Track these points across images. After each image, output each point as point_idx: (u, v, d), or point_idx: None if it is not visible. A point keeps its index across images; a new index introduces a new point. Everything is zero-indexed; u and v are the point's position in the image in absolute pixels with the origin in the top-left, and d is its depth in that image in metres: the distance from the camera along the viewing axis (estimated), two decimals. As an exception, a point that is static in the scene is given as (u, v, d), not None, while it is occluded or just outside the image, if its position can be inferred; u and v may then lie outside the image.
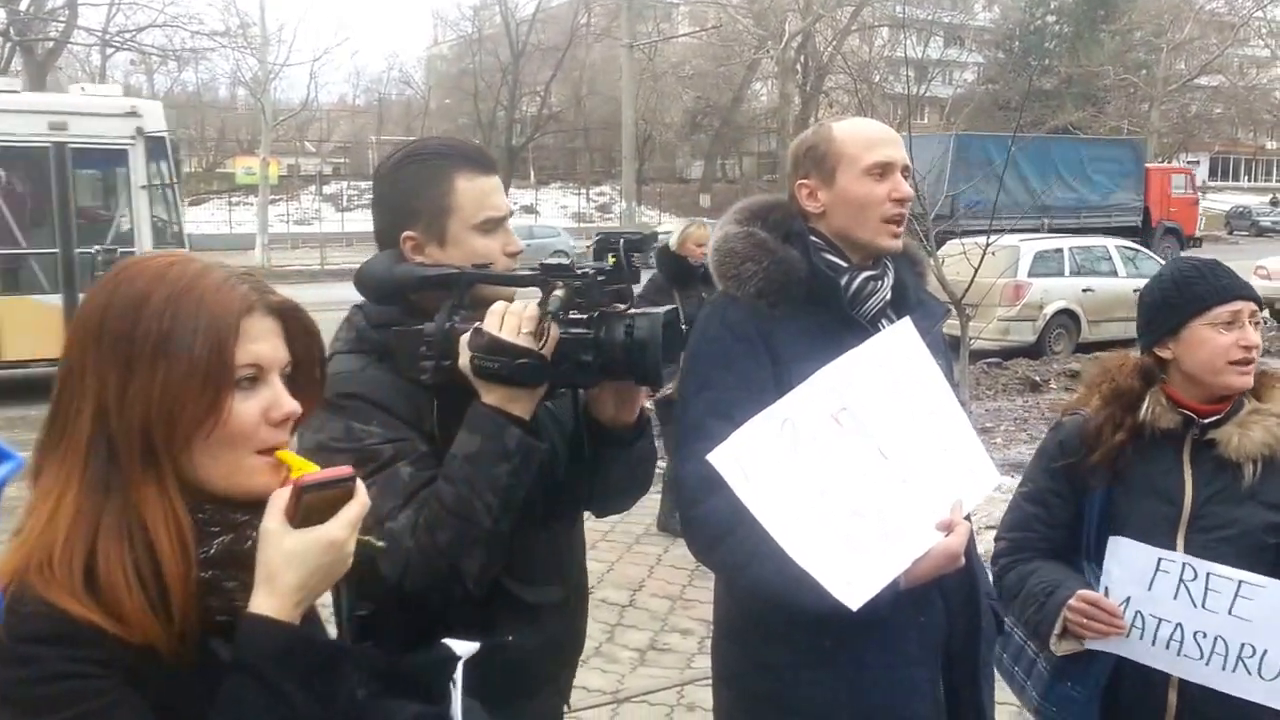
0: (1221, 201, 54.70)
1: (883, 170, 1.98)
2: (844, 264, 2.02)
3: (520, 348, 1.57)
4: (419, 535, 1.58)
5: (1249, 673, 2.04)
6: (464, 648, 1.42)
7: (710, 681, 2.22)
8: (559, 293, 1.61)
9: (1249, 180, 71.94)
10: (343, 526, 1.15)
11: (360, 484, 1.19)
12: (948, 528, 1.86)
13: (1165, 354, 2.20)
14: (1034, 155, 21.28)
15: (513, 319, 1.60)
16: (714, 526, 1.86)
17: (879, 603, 1.76)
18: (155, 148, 12.02)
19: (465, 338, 1.61)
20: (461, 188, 1.75)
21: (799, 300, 1.97)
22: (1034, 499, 2.30)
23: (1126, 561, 2.13)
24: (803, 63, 35.88)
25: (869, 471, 1.83)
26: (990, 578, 2.20)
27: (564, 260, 1.69)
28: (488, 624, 1.68)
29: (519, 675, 1.75)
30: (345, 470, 1.18)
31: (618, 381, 1.67)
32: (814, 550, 1.73)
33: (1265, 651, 2.03)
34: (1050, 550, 2.30)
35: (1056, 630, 2.17)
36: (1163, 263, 12.27)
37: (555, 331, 1.59)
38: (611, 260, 1.64)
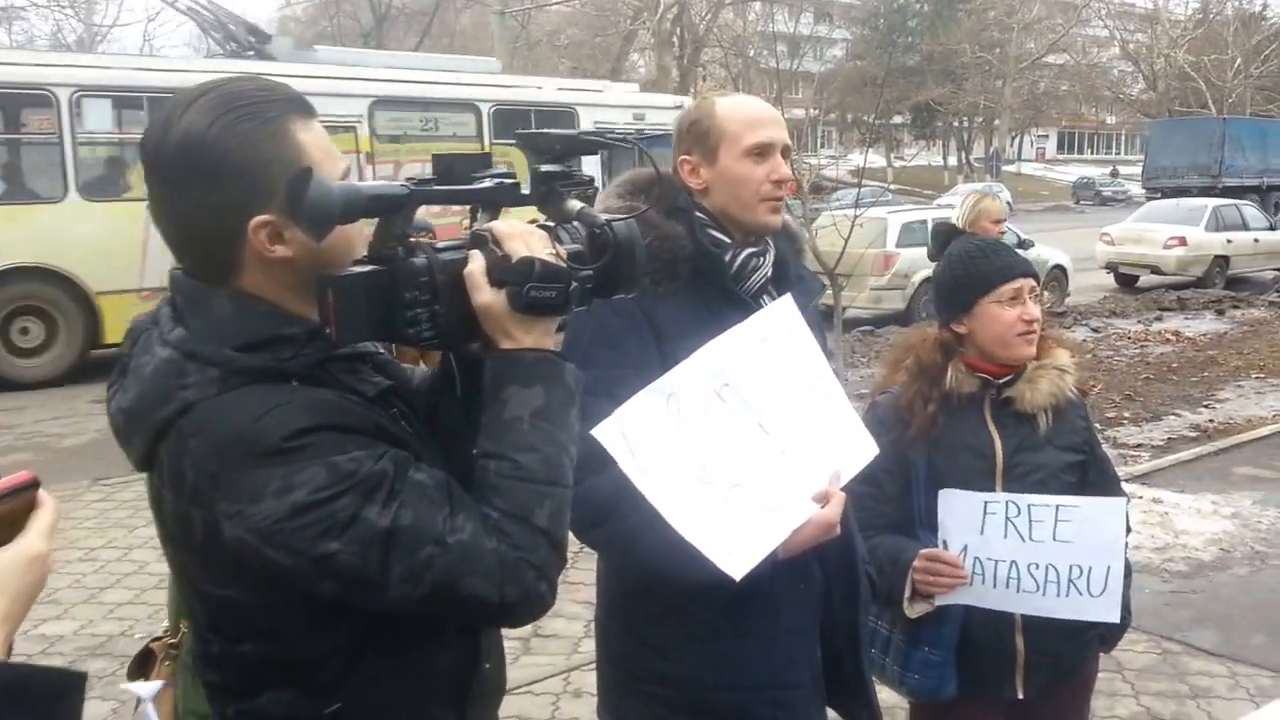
0: (1068, 174, 57.49)
1: (762, 151, 1.98)
2: (728, 240, 2.02)
3: (570, 270, 1.36)
4: (504, 529, 1.30)
5: (1080, 592, 2.22)
6: (147, 689, 1.24)
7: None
8: (573, 203, 1.43)
9: (1092, 153, 75.71)
10: (41, 536, 1.03)
11: (43, 491, 1.05)
12: (824, 498, 1.90)
13: (961, 329, 2.40)
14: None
15: (535, 239, 1.36)
16: (597, 504, 1.83)
17: (760, 573, 1.78)
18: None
19: (481, 268, 1.34)
20: (308, 142, 1.33)
21: (683, 277, 1.96)
22: (864, 479, 2.31)
23: (957, 511, 2.28)
24: (679, 35, 36.05)
25: (750, 445, 1.85)
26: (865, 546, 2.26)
27: (510, 175, 1.41)
28: (473, 649, 1.51)
29: (490, 702, 1.58)
30: (25, 476, 1.05)
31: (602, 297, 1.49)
32: (698, 523, 1.74)
33: (1090, 568, 2.21)
34: (887, 525, 2.40)
35: (908, 594, 2.29)
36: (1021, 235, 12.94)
37: (563, 249, 1.39)
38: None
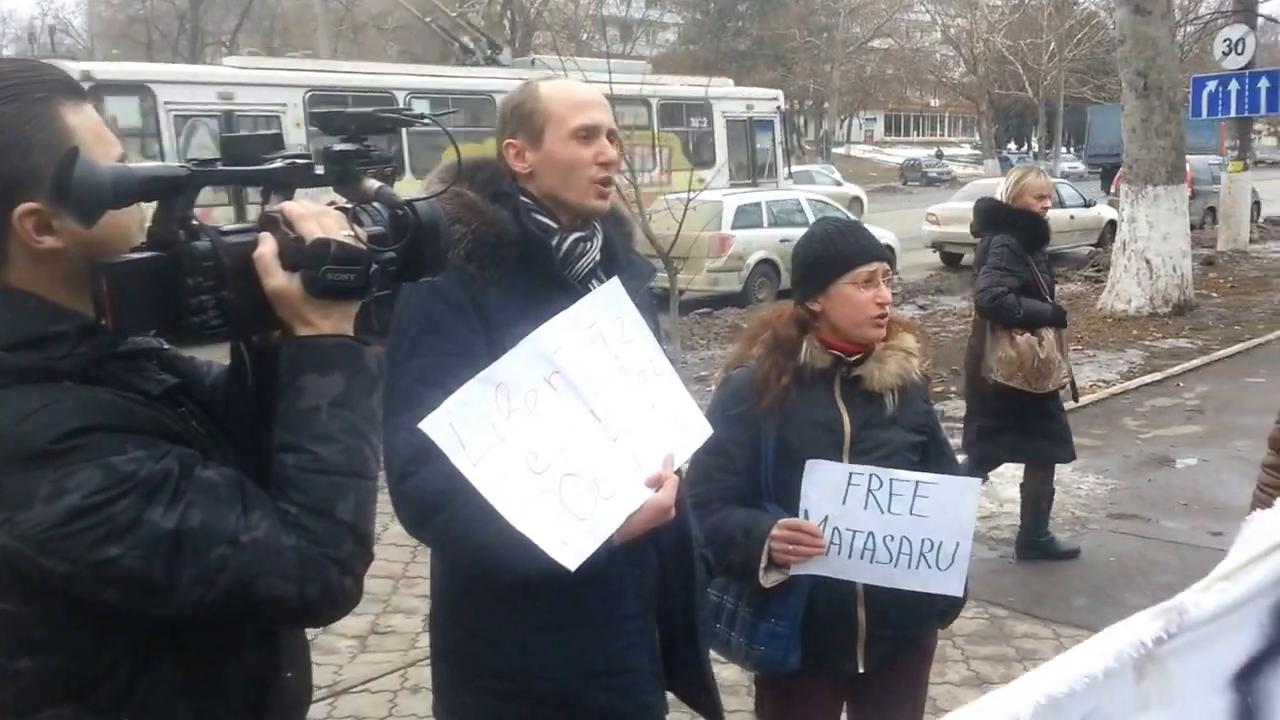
0: (895, 155, 59.65)
1: (588, 133, 1.98)
2: (554, 225, 2.01)
3: (370, 251, 1.31)
4: (304, 524, 1.26)
5: (929, 566, 2.31)
6: None
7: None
8: (370, 182, 1.37)
9: (918, 135, 78.90)
10: None
11: None
12: (658, 482, 1.89)
13: (816, 307, 2.44)
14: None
15: (330, 219, 1.30)
16: (429, 498, 1.81)
17: (596, 561, 1.77)
18: None
19: (273, 251, 1.27)
20: (78, 125, 1.26)
21: (510, 262, 1.93)
22: (713, 451, 2.33)
23: (821, 481, 2.32)
24: (510, 18, 35.64)
25: (582, 433, 1.83)
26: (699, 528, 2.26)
27: (304, 155, 1.37)
28: (272, 656, 1.42)
29: (292, 714, 1.51)
30: None
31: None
32: (531, 514, 1.72)
33: (941, 543, 2.30)
34: (736, 497, 2.43)
35: (763, 563, 2.32)
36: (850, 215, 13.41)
37: (362, 231, 1.33)
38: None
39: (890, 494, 2.30)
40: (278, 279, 1.27)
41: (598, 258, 2.05)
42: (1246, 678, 1.09)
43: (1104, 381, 9.35)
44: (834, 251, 2.44)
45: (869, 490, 2.30)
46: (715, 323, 13.07)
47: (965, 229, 18.56)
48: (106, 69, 14.02)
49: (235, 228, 1.31)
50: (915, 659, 2.60)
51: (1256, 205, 22.37)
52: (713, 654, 2.29)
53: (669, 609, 2.10)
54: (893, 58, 54.71)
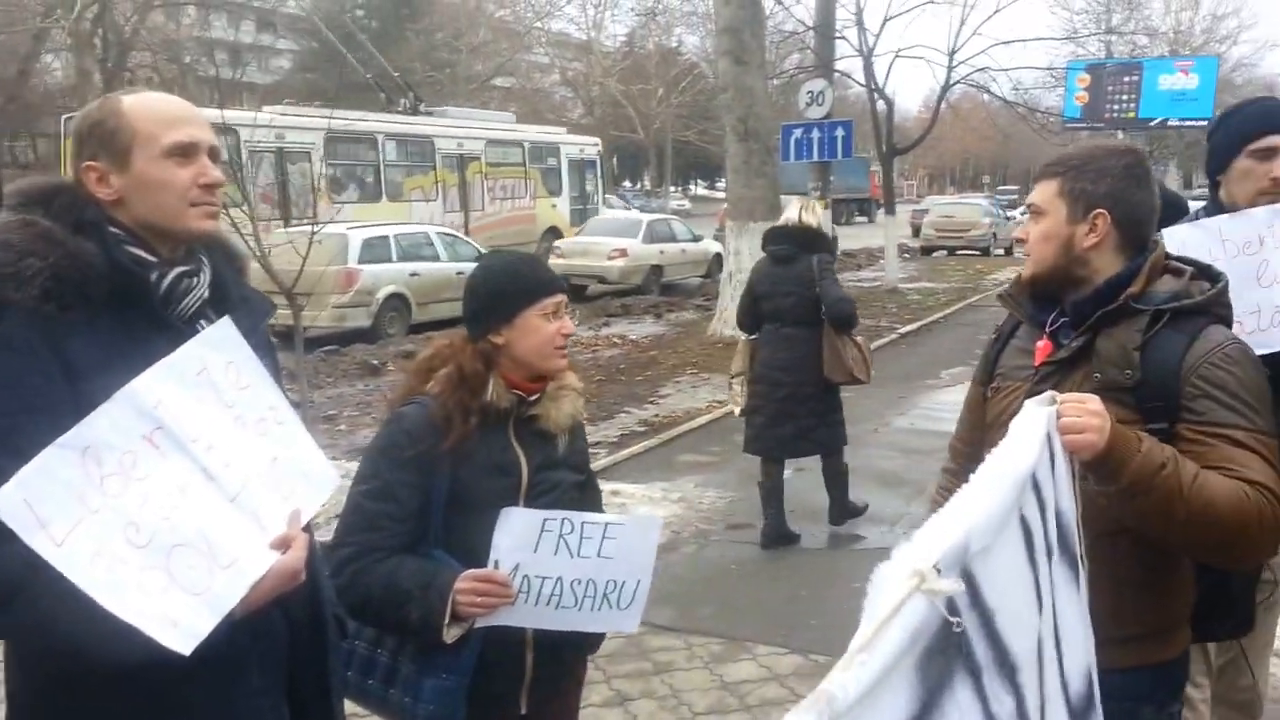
0: (521, 191, 60.66)
1: (186, 151, 1.78)
2: (153, 259, 1.78)
3: None
4: None
5: (611, 606, 2.29)
6: None
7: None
8: None
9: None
10: None
11: None
12: (284, 544, 1.74)
13: (499, 340, 2.34)
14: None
15: None
16: (2, 583, 1.53)
17: (215, 639, 1.58)
18: None
19: None
20: None
21: (98, 302, 1.69)
22: (380, 495, 2.26)
23: (515, 529, 2.23)
24: (102, 36, 32.61)
25: (192, 496, 1.63)
26: (331, 585, 2.12)
27: None
28: None
29: None
30: None
31: None
32: (132, 596, 1.50)
33: (624, 582, 2.29)
34: (405, 545, 2.29)
35: (447, 618, 2.19)
36: (481, 248, 13.46)
37: None
38: None
39: (581, 538, 2.26)
40: None
41: (206, 295, 1.84)
42: None
43: (718, 402, 10.02)
44: (520, 282, 2.37)
45: (561, 535, 2.25)
46: (343, 360, 12.66)
47: (589, 261, 19.71)
48: (211, 114, 16.87)
49: None
50: (571, 689, 2.59)
51: (834, 240, 25.25)
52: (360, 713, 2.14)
53: (300, 676, 1.94)
54: (515, 96, 55.96)
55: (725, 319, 13.87)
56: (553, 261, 20.27)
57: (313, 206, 15.43)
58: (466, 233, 19.88)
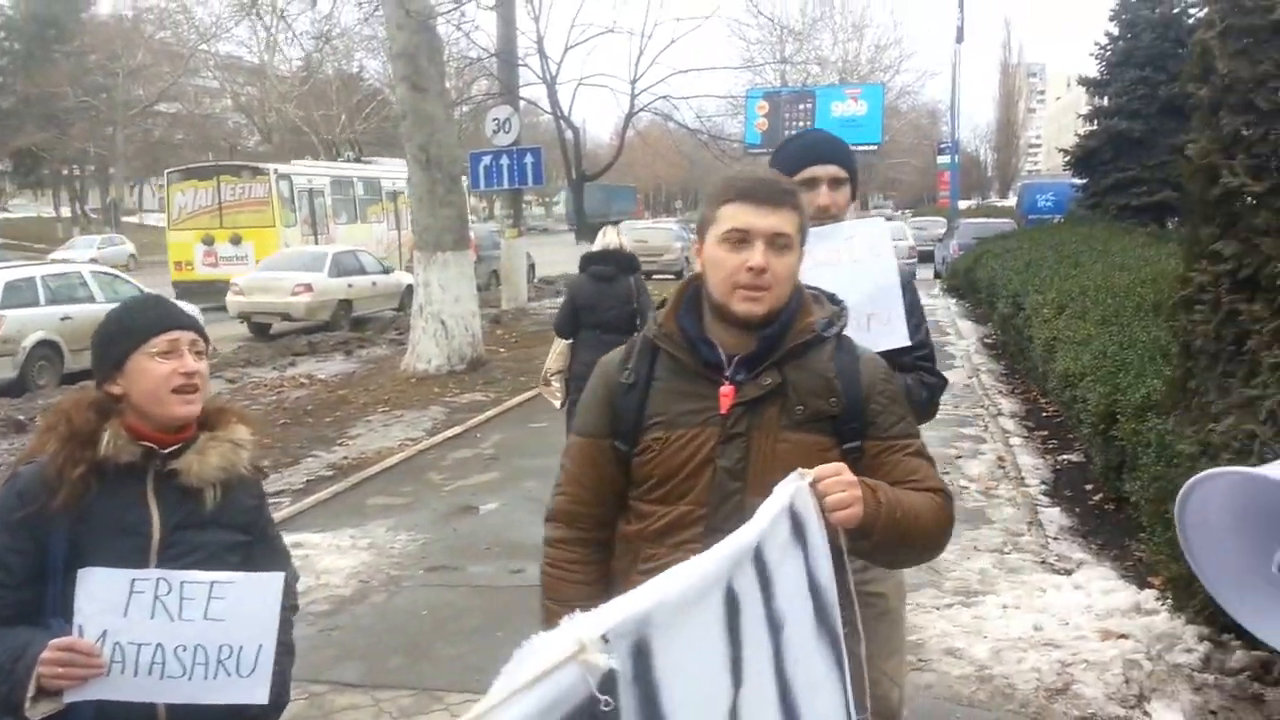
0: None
1: None
2: None
3: None
4: None
5: (229, 674, 2.09)
6: None
7: None
8: None
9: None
10: None
11: None
12: None
13: (116, 389, 2.19)
14: None
15: None
16: None
17: None
18: None
19: None
20: None
21: None
22: None
23: (97, 592, 2.04)
24: None
25: None
26: None
27: None
28: None
29: None
30: None
31: None
32: None
33: (241, 647, 2.09)
34: (15, 616, 2.08)
35: (30, 693, 1.98)
36: (143, 288, 12.49)
37: None
38: None
39: (181, 599, 2.06)
40: None
41: None
42: None
43: (411, 439, 9.78)
44: (129, 324, 2.22)
45: (156, 597, 2.05)
46: (-9, 415, 11.28)
47: (271, 298, 18.74)
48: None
49: None
50: None
51: (532, 268, 25.51)
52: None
53: None
54: (182, 123, 52.56)
55: (419, 353, 13.57)
56: (231, 299, 19.11)
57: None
58: (400, 246, 24.80)
